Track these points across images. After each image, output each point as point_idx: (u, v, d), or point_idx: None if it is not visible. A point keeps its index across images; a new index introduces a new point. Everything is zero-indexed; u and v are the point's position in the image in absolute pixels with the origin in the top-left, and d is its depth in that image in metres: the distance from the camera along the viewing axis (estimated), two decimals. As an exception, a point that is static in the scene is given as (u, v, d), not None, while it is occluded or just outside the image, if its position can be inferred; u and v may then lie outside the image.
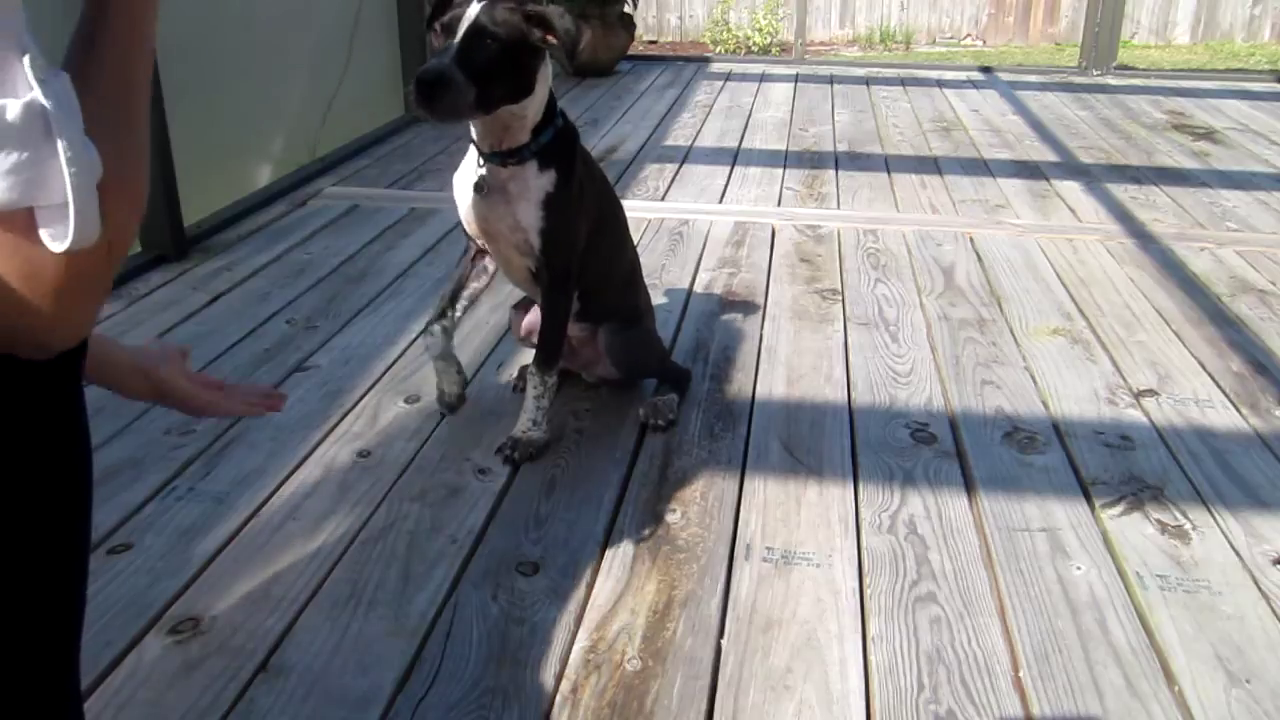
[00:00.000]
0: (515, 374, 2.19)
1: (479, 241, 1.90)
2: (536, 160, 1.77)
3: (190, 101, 3.02)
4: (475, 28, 1.61)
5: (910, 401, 2.12)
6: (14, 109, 0.53)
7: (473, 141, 1.81)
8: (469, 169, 1.83)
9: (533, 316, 2.07)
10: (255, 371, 2.22)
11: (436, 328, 1.94)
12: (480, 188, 1.79)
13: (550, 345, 1.90)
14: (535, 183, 1.77)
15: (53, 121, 0.54)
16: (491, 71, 1.63)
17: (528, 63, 1.69)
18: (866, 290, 2.72)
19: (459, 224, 1.91)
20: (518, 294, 2.12)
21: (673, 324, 2.49)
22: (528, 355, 2.17)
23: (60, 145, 0.54)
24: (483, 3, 1.64)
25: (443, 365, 1.98)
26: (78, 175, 0.55)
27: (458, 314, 1.96)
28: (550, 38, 1.68)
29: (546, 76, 1.74)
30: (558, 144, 1.79)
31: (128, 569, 1.57)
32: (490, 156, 1.77)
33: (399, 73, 4.58)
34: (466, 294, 1.96)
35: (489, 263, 1.95)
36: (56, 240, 0.56)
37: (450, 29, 1.63)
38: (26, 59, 0.54)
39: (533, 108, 1.73)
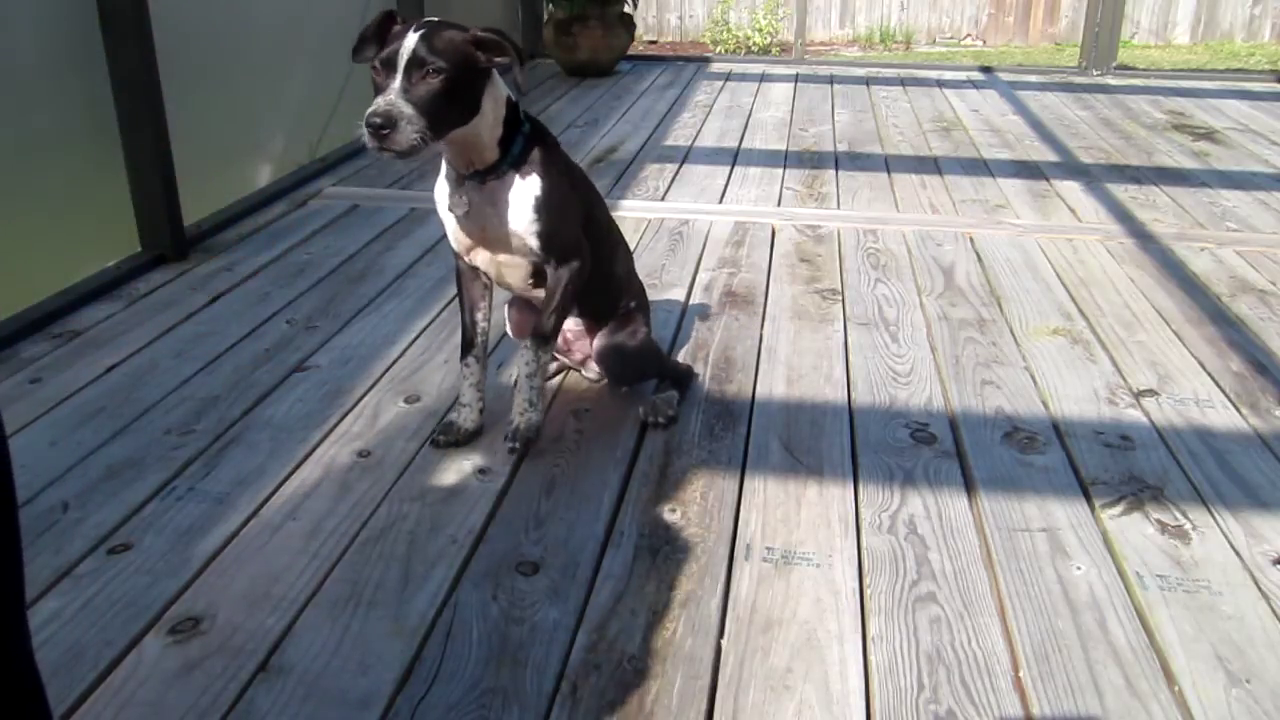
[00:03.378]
0: (515, 372, 2.19)
1: (468, 258, 1.89)
2: (515, 170, 1.78)
3: (190, 101, 3.02)
4: (415, 59, 1.61)
5: (910, 401, 2.12)
6: None
7: (448, 162, 1.81)
8: (446, 189, 1.84)
9: (526, 315, 2.06)
10: (255, 371, 2.22)
11: (471, 359, 1.95)
12: (462, 209, 1.80)
13: (554, 317, 1.87)
14: (521, 188, 1.78)
15: None
16: (437, 100, 1.62)
17: (472, 85, 1.68)
18: (866, 290, 2.73)
19: (444, 237, 1.92)
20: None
21: (673, 324, 2.49)
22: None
23: None
24: (421, 30, 1.62)
25: (472, 396, 1.96)
26: None
27: (480, 341, 1.96)
28: (499, 58, 1.68)
29: (495, 96, 1.73)
30: (530, 147, 1.79)
31: (128, 569, 1.57)
32: (470, 176, 1.78)
33: (399, 73, 4.58)
34: (480, 315, 1.95)
35: (485, 279, 1.94)
36: None
37: (390, 63, 1.62)
38: None
39: (485, 126, 1.73)
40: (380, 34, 1.68)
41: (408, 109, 1.59)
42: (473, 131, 1.71)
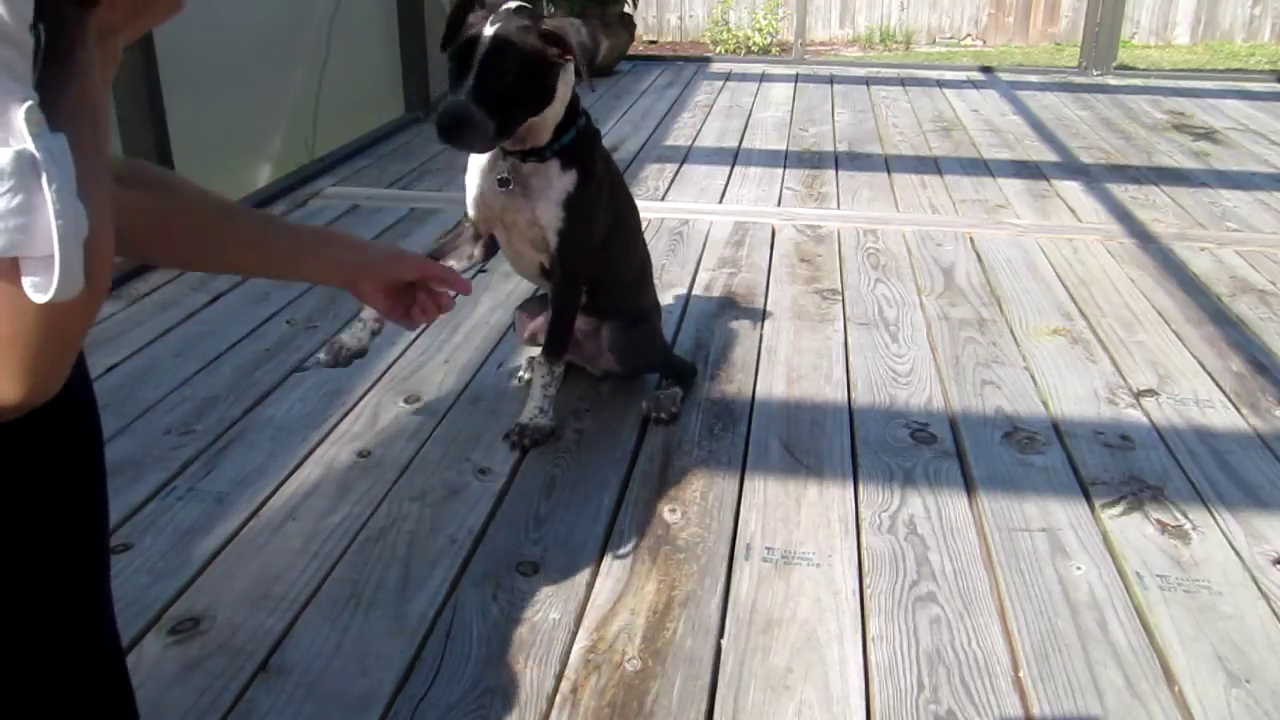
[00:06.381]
0: (522, 367, 2.20)
1: (482, 226, 1.90)
2: (558, 160, 1.78)
3: (189, 102, 3.02)
4: (488, 59, 1.61)
5: (910, 401, 2.12)
6: (4, 156, 0.53)
7: None
8: (488, 161, 1.83)
9: (538, 320, 2.07)
10: (255, 372, 2.22)
11: None
12: (506, 183, 1.80)
13: (558, 336, 1.94)
14: (557, 182, 1.79)
15: (44, 173, 0.54)
16: (509, 99, 1.64)
17: (546, 77, 1.69)
18: (866, 290, 2.72)
19: (465, 210, 1.92)
20: (520, 293, 2.12)
21: (673, 324, 2.48)
22: (530, 351, 2.18)
23: (49, 197, 0.54)
24: (495, 26, 1.62)
25: (372, 314, 1.85)
26: (65, 228, 0.55)
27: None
28: (567, 55, 1.68)
29: (567, 81, 1.74)
30: (579, 145, 1.80)
31: (128, 569, 1.57)
32: (514, 153, 1.78)
33: (399, 72, 4.58)
34: (449, 263, 1.92)
35: (477, 249, 1.93)
36: (39, 291, 0.56)
37: (464, 60, 1.62)
38: (23, 109, 0.54)
39: (552, 113, 1.74)
40: (460, 21, 1.68)
41: (477, 111, 1.61)
42: (540, 118, 1.73)
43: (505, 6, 1.66)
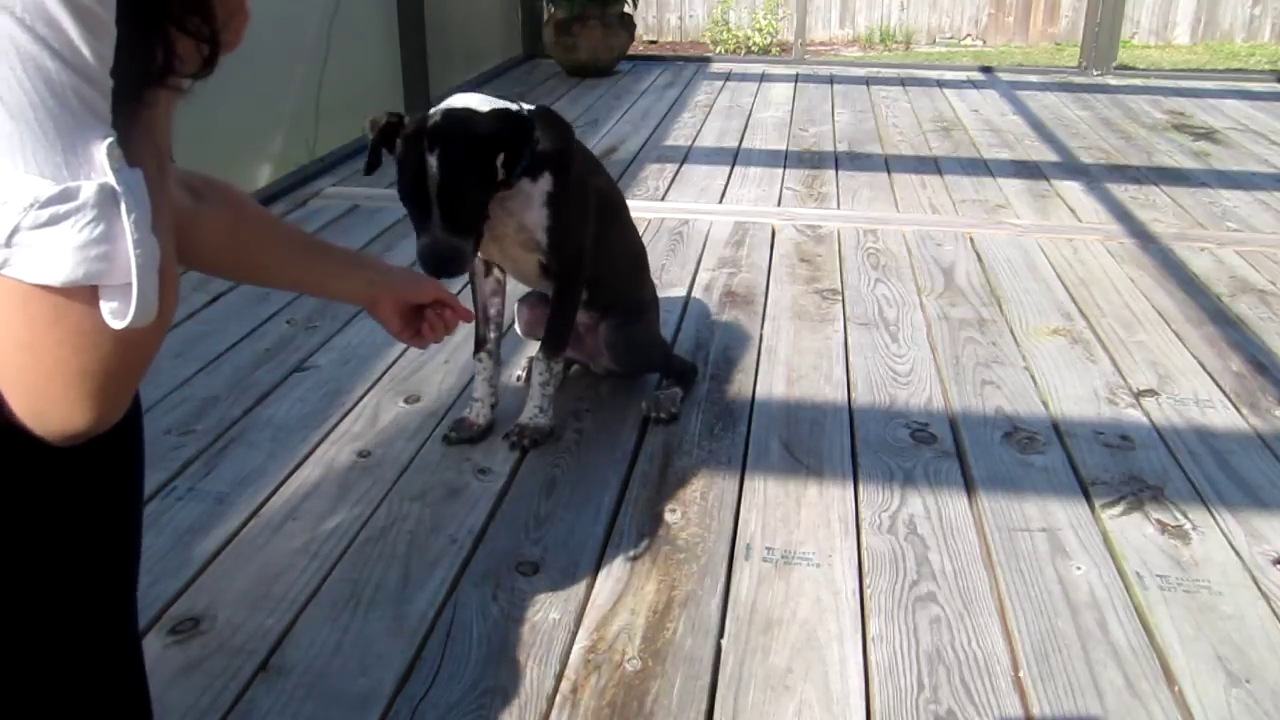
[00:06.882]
0: (523, 367, 2.20)
1: (482, 253, 1.88)
2: (526, 177, 1.76)
3: (189, 102, 3.02)
4: (444, 188, 1.62)
5: (910, 401, 2.12)
6: (88, 189, 0.56)
7: None
8: None
9: (537, 312, 2.08)
10: (255, 372, 2.22)
11: (484, 354, 1.96)
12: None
13: (558, 333, 1.93)
14: (533, 189, 1.77)
15: (123, 204, 0.57)
16: (476, 211, 1.68)
17: (493, 170, 1.69)
18: (866, 290, 2.72)
19: None
20: (519, 293, 2.12)
21: (673, 324, 2.49)
22: (530, 349, 2.18)
23: (128, 228, 0.57)
24: (435, 154, 1.61)
25: (485, 391, 1.97)
26: (142, 257, 0.58)
27: (493, 335, 1.97)
28: (507, 157, 1.68)
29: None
30: (538, 159, 1.76)
31: (128, 569, 1.57)
32: None
33: (399, 72, 4.58)
34: (493, 314, 1.96)
35: (498, 274, 1.96)
36: (117, 317, 0.59)
37: (419, 198, 1.63)
38: (105, 145, 0.57)
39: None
40: (388, 141, 1.68)
41: (456, 240, 1.65)
42: None
43: (432, 121, 1.64)
